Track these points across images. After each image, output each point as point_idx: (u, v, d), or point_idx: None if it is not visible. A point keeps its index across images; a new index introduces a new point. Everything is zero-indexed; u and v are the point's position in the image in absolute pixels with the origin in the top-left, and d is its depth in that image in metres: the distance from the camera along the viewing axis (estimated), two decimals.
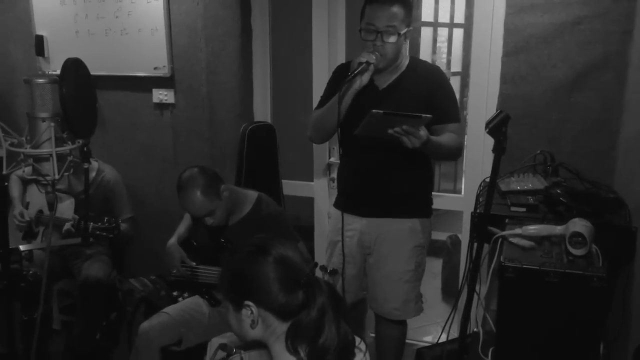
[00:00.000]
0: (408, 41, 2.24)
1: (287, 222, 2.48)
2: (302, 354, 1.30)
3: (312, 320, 1.28)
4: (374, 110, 1.93)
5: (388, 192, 2.31)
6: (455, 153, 2.30)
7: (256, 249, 1.34)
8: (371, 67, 2.12)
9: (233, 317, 1.36)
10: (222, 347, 1.52)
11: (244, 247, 1.38)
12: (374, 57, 2.11)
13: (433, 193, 2.49)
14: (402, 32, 2.13)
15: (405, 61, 2.28)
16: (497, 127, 1.70)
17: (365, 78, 2.13)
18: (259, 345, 1.37)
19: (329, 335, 1.28)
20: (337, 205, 2.47)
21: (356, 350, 1.35)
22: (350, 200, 2.40)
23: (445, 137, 2.20)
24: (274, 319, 1.31)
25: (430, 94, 2.22)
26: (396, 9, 2.11)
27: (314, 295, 1.29)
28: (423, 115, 1.95)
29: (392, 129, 1.98)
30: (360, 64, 2.10)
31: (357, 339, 1.37)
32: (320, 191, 3.20)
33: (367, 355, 1.39)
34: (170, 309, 2.43)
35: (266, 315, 1.31)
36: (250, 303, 1.31)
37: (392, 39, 2.12)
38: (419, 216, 2.36)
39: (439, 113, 2.15)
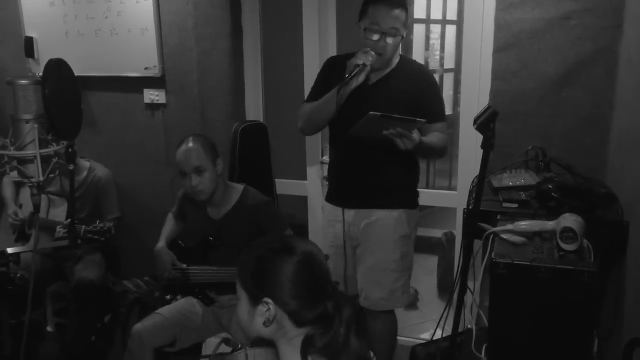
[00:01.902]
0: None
1: (274, 210, 2.52)
2: None
3: (341, 335, 1.25)
4: (371, 112, 1.98)
5: (373, 184, 2.37)
6: (441, 152, 2.38)
7: (283, 247, 1.30)
8: (367, 68, 2.17)
9: (245, 310, 1.31)
10: (226, 341, 1.50)
11: (267, 242, 1.35)
12: (370, 59, 2.17)
13: (427, 190, 2.51)
14: (403, 34, 2.22)
15: (395, 59, 2.33)
16: (485, 123, 1.70)
17: (361, 78, 2.19)
18: (265, 342, 1.32)
19: (351, 349, 1.25)
20: (328, 198, 2.54)
21: None
22: (338, 193, 2.47)
23: (434, 138, 2.27)
24: (288, 322, 1.27)
25: (417, 93, 2.28)
26: (399, 12, 2.19)
27: (340, 308, 1.26)
28: (417, 119, 2.03)
29: (387, 130, 2.04)
30: (357, 65, 2.15)
31: (371, 353, 1.35)
32: (314, 190, 3.19)
33: None
34: (164, 310, 2.42)
35: (282, 316, 1.27)
36: (269, 301, 1.26)
37: (394, 40, 2.20)
38: (404, 207, 2.41)
39: (426, 112, 2.22)
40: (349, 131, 2.10)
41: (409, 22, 2.31)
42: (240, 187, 2.51)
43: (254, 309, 1.29)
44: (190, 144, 2.35)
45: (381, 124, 2.02)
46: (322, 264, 1.32)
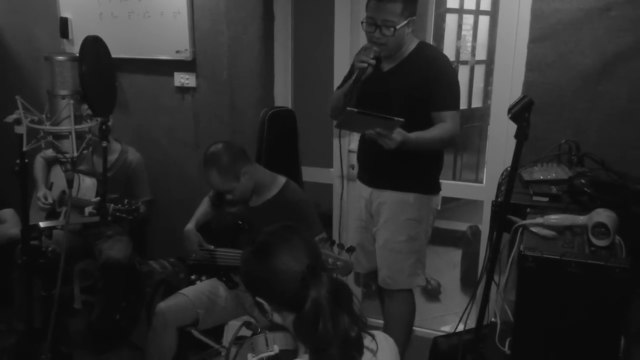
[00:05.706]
0: (411, 29, 2.32)
1: (311, 212, 2.45)
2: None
3: (307, 313, 1.27)
4: (348, 108, 2.06)
5: (389, 165, 2.40)
6: (444, 144, 2.40)
7: (260, 250, 1.36)
8: (369, 70, 2.23)
9: (255, 305, 1.40)
10: (247, 324, 1.54)
11: (250, 245, 1.40)
12: (372, 55, 2.22)
13: (454, 182, 2.49)
14: (400, 25, 2.21)
15: (411, 46, 2.36)
16: (519, 112, 1.67)
17: (368, 71, 2.25)
18: (283, 327, 1.39)
19: (324, 329, 1.26)
20: (357, 175, 2.69)
21: (366, 350, 1.32)
22: (362, 172, 2.62)
23: (433, 131, 2.29)
24: (287, 313, 1.34)
25: (428, 80, 2.30)
26: (393, 6, 2.19)
27: (308, 288, 1.28)
28: (395, 118, 2.08)
29: (368, 129, 2.12)
30: (358, 69, 2.23)
31: (368, 339, 1.34)
32: (340, 177, 3.18)
33: (380, 356, 1.34)
34: (188, 291, 2.46)
35: (279, 309, 1.35)
36: (261, 300, 1.35)
37: (390, 32, 2.22)
38: (416, 191, 2.43)
39: (435, 100, 2.29)
40: (335, 125, 2.18)
41: (414, 9, 2.27)
42: (282, 179, 2.49)
43: (257, 304, 1.38)
44: (208, 171, 2.33)
45: (360, 120, 2.07)
46: (298, 250, 1.33)
